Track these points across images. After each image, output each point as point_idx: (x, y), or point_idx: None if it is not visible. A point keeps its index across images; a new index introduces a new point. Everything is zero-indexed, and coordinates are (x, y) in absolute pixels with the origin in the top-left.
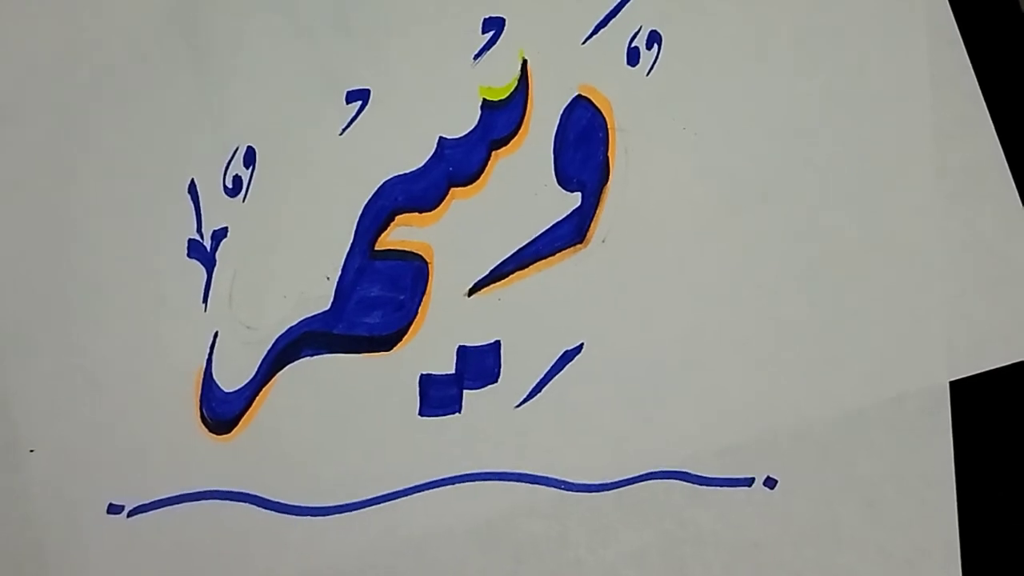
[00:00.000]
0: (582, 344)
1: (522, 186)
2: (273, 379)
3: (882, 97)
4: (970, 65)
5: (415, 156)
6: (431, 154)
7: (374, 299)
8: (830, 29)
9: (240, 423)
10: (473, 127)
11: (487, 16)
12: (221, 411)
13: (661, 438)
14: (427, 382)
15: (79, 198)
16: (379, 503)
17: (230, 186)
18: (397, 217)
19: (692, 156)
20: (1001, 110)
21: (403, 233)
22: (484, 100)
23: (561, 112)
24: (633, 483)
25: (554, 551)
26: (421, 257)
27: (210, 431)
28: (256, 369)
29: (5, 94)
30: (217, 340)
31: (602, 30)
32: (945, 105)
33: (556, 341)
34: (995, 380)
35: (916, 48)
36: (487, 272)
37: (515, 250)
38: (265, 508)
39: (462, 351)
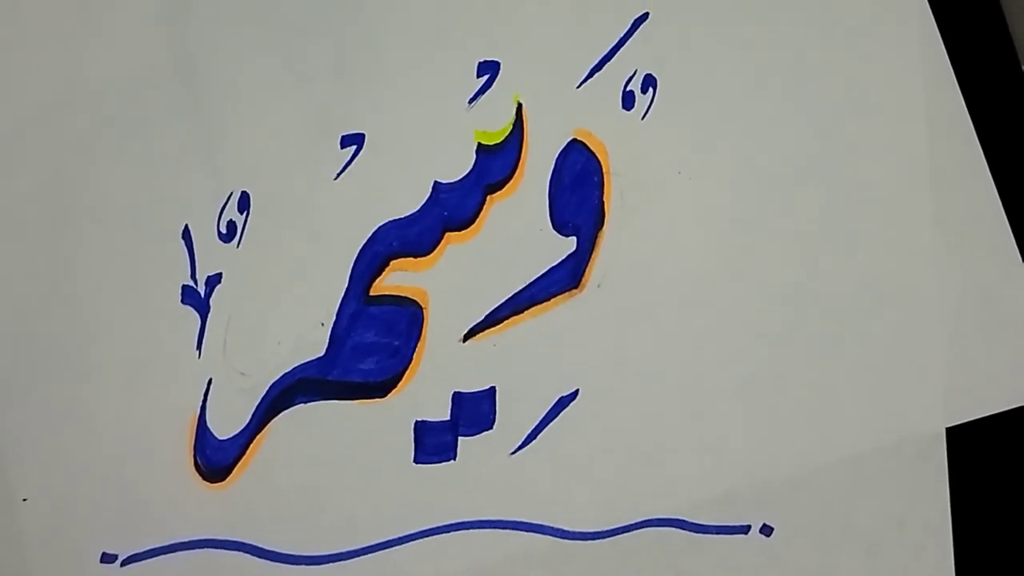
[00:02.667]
0: (577, 390)
1: (517, 230)
2: (267, 426)
3: (879, 143)
4: (967, 112)
5: (410, 200)
6: (426, 198)
7: (369, 345)
8: (827, 75)
9: (234, 471)
10: (468, 171)
11: (482, 60)
12: (215, 459)
13: (657, 485)
14: (422, 429)
15: (73, 244)
16: (374, 551)
17: (224, 231)
18: (392, 262)
19: (688, 200)
20: (998, 157)
21: (398, 278)
22: (479, 144)
23: (556, 156)
24: (629, 531)
25: None
26: (416, 302)
27: (204, 479)
28: (250, 416)
29: (1, 139)
30: (211, 387)
31: (597, 74)
32: (942, 152)
33: (551, 387)
34: (991, 426)
35: (913, 95)
36: (482, 317)
37: (510, 295)
38: (259, 557)
39: (457, 397)
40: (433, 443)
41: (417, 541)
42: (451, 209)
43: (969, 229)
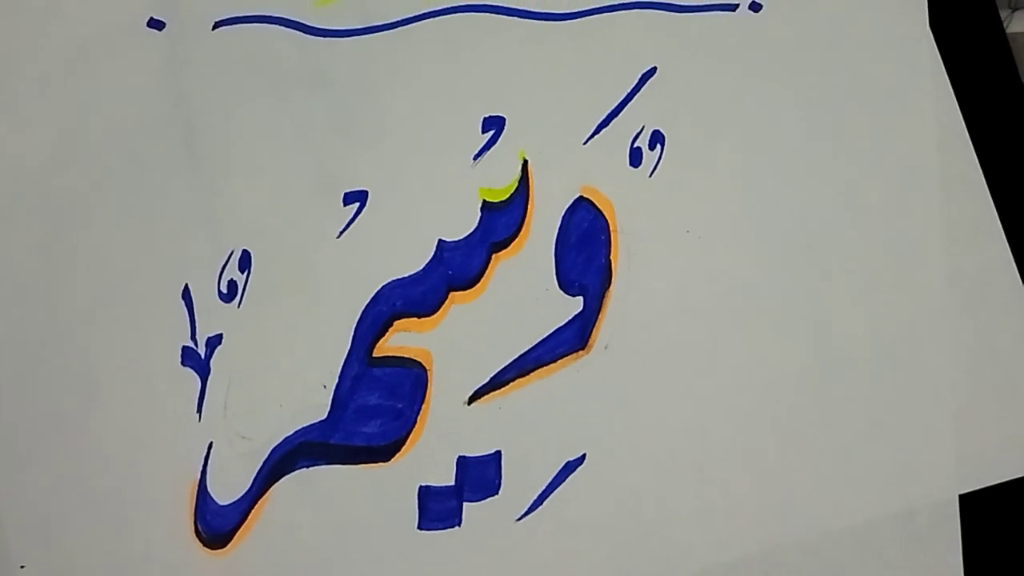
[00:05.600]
0: (584, 455)
1: (523, 290)
2: (269, 491)
3: (891, 201)
4: (982, 174)
5: (414, 259)
6: (430, 257)
7: (372, 408)
8: (838, 132)
9: (235, 537)
10: (473, 229)
11: (487, 115)
12: (216, 525)
13: (666, 551)
14: (426, 494)
15: (70, 303)
16: None
17: (225, 291)
18: (396, 322)
19: (696, 259)
20: (1013, 218)
21: (402, 339)
22: (484, 201)
23: (563, 214)
24: None
25: None
26: (420, 364)
27: (204, 545)
28: (251, 481)
29: (1, 196)
30: (212, 451)
31: (604, 130)
32: (956, 212)
33: (558, 451)
34: (1006, 493)
35: (927, 157)
36: (487, 380)
37: (516, 356)
38: None
39: (462, 462)
40: (438, 509)
41: None
42: (456, 268)
43: (983, 294)
